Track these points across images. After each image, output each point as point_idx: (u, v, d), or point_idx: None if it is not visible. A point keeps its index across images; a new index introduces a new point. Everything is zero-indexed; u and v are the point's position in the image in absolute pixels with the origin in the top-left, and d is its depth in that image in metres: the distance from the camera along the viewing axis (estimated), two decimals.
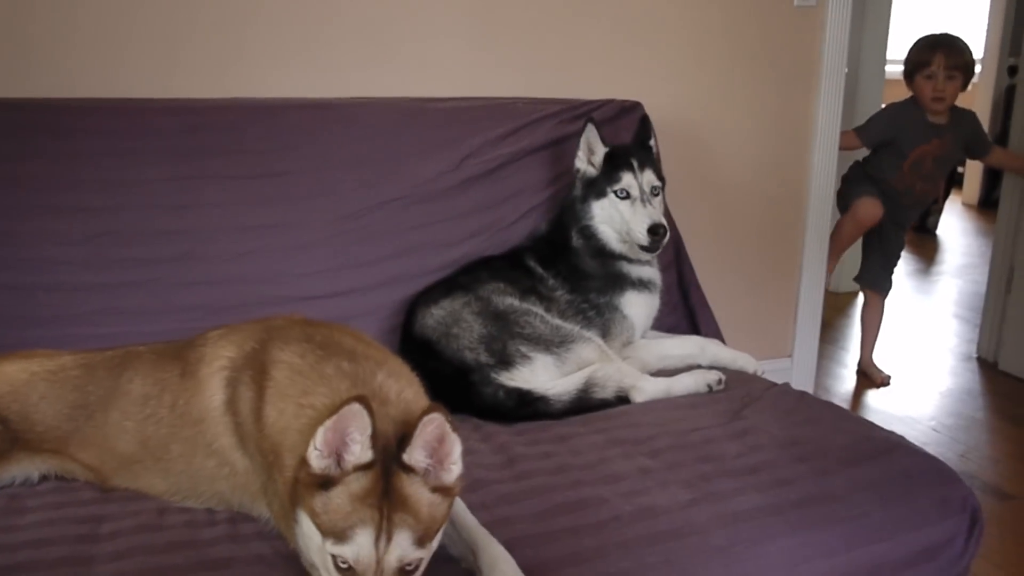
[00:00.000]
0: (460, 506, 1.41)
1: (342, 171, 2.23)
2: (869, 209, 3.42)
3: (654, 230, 2.14)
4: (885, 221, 3.47)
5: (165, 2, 2.27)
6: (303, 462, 1.19)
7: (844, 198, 3.56)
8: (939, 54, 3.29)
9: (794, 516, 1.52)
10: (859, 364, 3.76)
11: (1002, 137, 4.03)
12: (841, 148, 3.26)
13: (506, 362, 1.96)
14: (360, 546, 1.13)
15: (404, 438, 1.18)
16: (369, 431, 1.15)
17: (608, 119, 2.47)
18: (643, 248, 2.17)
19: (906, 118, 3.40)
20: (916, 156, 3.37)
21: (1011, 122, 3.79)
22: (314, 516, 1.17)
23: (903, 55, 3.45)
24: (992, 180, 6.59)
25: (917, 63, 3.35)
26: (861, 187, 3.48)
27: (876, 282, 3.67)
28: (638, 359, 2.15)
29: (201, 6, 2.30)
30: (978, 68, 6.50)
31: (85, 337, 1.88)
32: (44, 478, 1.59)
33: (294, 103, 2.29)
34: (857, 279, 3.77)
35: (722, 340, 2.41)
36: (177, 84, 2.29)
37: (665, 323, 2.40)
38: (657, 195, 2.22)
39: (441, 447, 1.20)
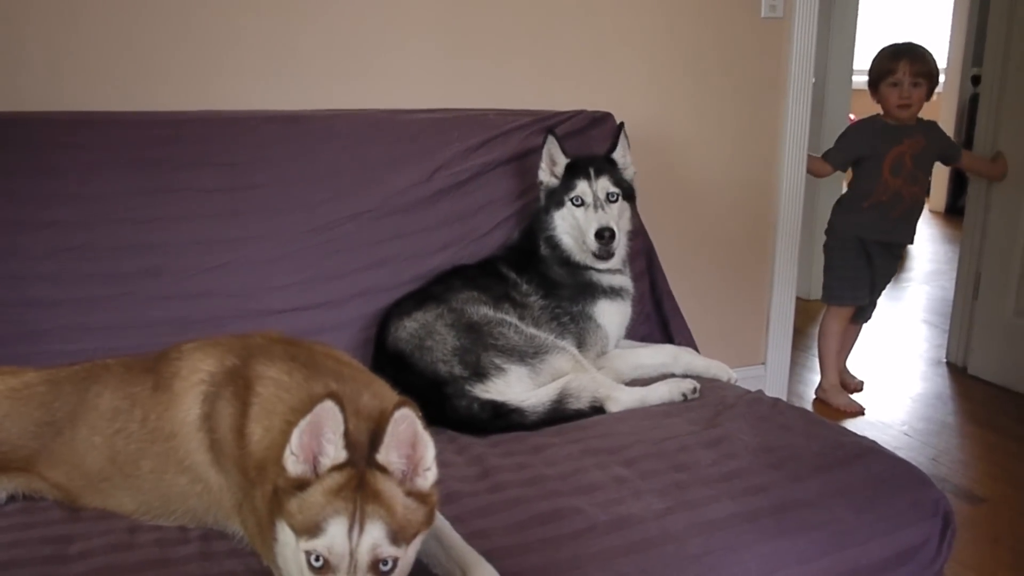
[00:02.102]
0: (446, 526, 1.40)
1: (313, 183, 2.22)
2: (845, 312, 3.49)
3: (600, 233, 2.15)
4: (874, 247, 3.40)
5: (134, 16, 2.25)
6: (280, 468, 1.19)
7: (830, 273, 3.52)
8: (904, 61, 3.29)
9: (769, 523, 1.52)
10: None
11: (966, 146, 4.06)
12: (811, 173, 3.27)
13: (480, 374, 1.95)
14: (334, 536, 1.13)
15: (376, 437, 1.18)
16: (342, 429, 1.15)
17: (578, 130, 2.48)
18: (595, 255, 2.18)
19: (872, 130, 3.36)
20: (893, 158, 3.29)
21: (975, 131, 3.84)
22: (290, 518, 1.17)
23: (869, 65, 3.48)
24: (958, 187, 6.68)
25: (882, 72, 3.34)
26: (842, 282, 3.46)
27: (863, 310, 3.57)
28: (612, 369, 2.15)
29: (171, 20, 2.29)
30: (942, 78, 6.60)
31: (52, 354, 1.85)
32: (12, 498, 1.56)
33: (264, 115, 2.28)
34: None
35: (695, 349, 2.41)
36: (146, 97, 2.27)
37: (638, 332, 2.41)
38: (614, 201, 2.22)
39: (415, 451, 1.20)
